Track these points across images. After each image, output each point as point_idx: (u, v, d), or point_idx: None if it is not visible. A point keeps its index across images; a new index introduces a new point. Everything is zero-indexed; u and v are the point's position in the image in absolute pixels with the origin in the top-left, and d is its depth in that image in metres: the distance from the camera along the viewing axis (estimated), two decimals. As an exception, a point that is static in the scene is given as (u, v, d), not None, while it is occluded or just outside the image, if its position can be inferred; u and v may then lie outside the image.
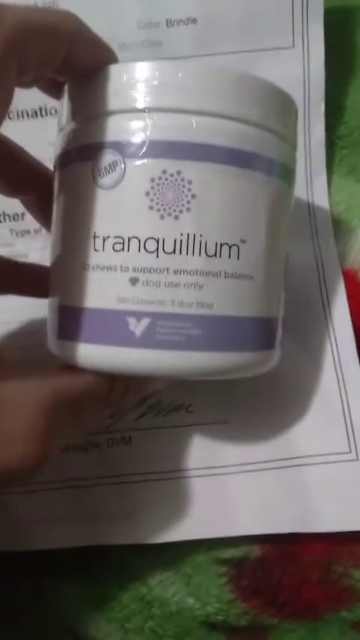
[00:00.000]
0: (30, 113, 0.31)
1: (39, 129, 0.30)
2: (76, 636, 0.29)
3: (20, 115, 0.31)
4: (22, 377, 0.20)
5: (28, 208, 0.28)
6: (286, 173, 0.22)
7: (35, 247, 0.31)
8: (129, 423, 0.29)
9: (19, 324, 0.30)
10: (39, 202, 0.27)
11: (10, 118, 0.30)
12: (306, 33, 0.29)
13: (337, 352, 0.29)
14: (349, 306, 0.30)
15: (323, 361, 0.29)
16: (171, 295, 0.20)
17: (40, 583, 0.29)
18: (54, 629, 0.29)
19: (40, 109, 0.30)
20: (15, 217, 0.31)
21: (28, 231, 0.31)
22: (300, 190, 0.31)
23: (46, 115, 0.30)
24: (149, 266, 0.20)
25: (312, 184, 0.31)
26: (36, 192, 0.26)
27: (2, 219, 0.31)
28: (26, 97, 0.30)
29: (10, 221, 0.31)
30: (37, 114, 0.31)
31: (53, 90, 0.23)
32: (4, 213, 0.31)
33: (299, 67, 0.30)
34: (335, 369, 0.29)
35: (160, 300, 0.20)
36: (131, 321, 0.20)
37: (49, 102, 0.30)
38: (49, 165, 0.25)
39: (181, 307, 0.20)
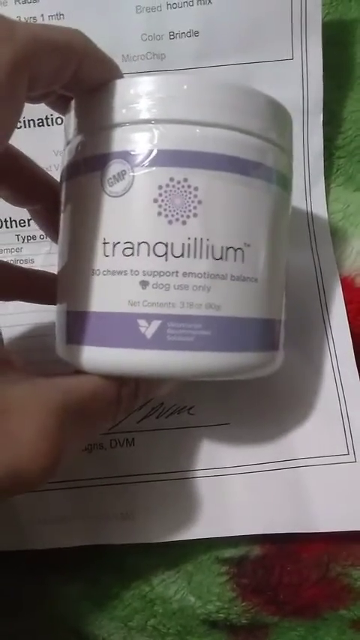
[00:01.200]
0: (36, 122, 0.31)
1: (45, 137, 0.31)
2: (79, 634, 0.30)
3: (27, 124, 0.31)
4: (31, 380, 0.20)
5: (34, 218, 0.28)
6: (284, 181, 0.23)
7: (41, 252, 0.32)
8: (132, 425, 0.30)
9: (26, 327, 0.31)
10: (46, 212, 0.27)
11: (17, 127, 0.31)
12: (304, 45, 0.30)
13: (336, 357, 0.30)
14: (347, 311, 0.30)
15: (322, 365, 0.30)
16: (180, 297, 0.20)
17: (44, 582, 0.30)
18: (57, 627, 0.30)
19: (47, 118, 0.31)
20: (21, 223, 0.32)
21: (34, 237, 0.32)
22: (299, 199, 0.31)
23: (52, 124, 0.31)
24: (159, 269, 0.20)
25: (310, 194, 0.31)
26: (43, 202, 0.27)
27: (9, 225, 0.32)
28: (32, 107, 0.31)
29: (16, 227, 0.32)
30: (43, 123, 0.31)
31: (60, 105, 0.24)
32: (10, 219, 0.32)
33: (298, 79, 0.30)
34: (334, 373, 0.30)
35: (170, 302, 0.20)
36: (142, 323, 0.20)
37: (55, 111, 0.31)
38: (55, 172, 0.25)
39: (190, 309, 0.21)
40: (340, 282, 0.31)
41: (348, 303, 0.30)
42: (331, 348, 0.30)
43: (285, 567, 0.29)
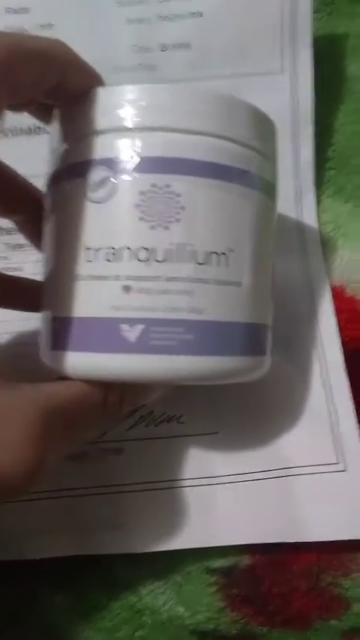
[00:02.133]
0: (25, 129, 0.31)
1: (33, 146, 0.31)
2: (66, 646, 0.30)
3: (14, 132, 0.31)
4: (15, 386, 0.20)
5: (19, 228, 0.28)
6: (268, 187, 0.24)
7: (30, 260, 0.32)
8: (120, 434, 0.30)
9: (10, 335, 0.31)
10: (30, 223, 0.27)
11: (5, 135, 0.31)
12: (294, 58, 0.31)
13: (326, 366, 0.30)
14: (338, 321, 0.30)
15: (312, 374, 0.30)
16: (163, 302, 0.21)
17: (31, 592, 0.29)
18: (45, 638, 0.29)
19: (35, 126, 0.31)
20: (9, 231, 0.32)
21: (22, 245, 0.32)
22: (289, 209, 0.32)
23: (40, 132, 0.31)
24: (141, 274, 0.21)
25: (301, 204, 0.32)
26: (27, 212, 0.27)
27: (-3, 234, 0.32)
28: (23, 115, 0.31)
29: (4, 235, 0.32)
30: (31, 130, 0.31)
31: (42, 114, 0.24)
32: (-1, 228, 0.32)
33: (288, 91, 0.31)
34: (323, 382, 0.30)
35: (152, 306, 0.21)
36: (125, 328, 0.21)
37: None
38: (42, 182, 0.25)
39: (173, 313, 0.21)
40: (330, 291, 0.31)
41: (338, 312, 0.31)
42: (322, 357, 0.30)
43: (275, 577, 0.29)
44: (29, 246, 0.31)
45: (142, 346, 0.21)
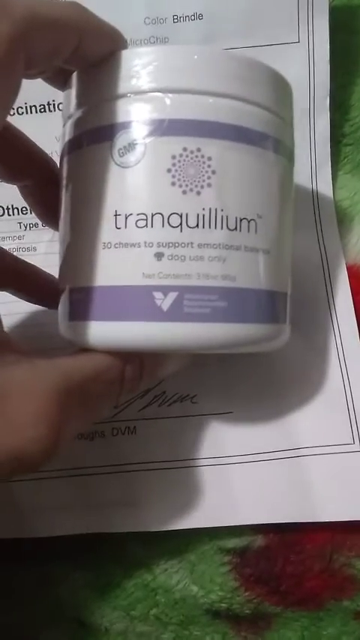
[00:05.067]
0: (38, 108, 0.31)
1: (46, 124, 0.30)
2: (81, 623, 0.30)
3: (28, 110, 0.31)
4: (31, 362, 0.20)
5: (24, 195, 0.27)
6: (289, 153, 0.24)
7: (43, 240, 0.31)
8: (133, 413, 0.29)
9: (26, 315, 0.30)
10: (37, 189, 0.27)
11: (19, 113, 0.31)
12: (311, 28, 0.30)
13: (342, 345, 0.29)
14: (353, 300, 0.30)
15: (327, 354, 0.29)
16: (197, 268, 0.20)
17: (46, 570, 0.30)
18: (59, 616, 0.30)
19: (48, 104, 0.31)
20: (23, 211, 0.31)
21: (36, 225, 0.31)
22: (305, 184, 0.31)
23: (54, 109, 0.31)
24: (174, 240, 0.20)
25: (317, 179, 0.31)
26: (35, 177, 0.26)
27: (11, 213, 0.32)
28: (34, 92, 0.31)
29: (18, 214, 0.32)
30: (44, 108, 0.31)
31: (58, 80, 0.23)
32: (12, 207, 0.31)
33: (304, 62, 0.30)
34: (339, 362, 0.29)
35: (186, 273, 0.20)
36: (158, 295, 0.20)
37: (57, 97, 0.30)
38: (56, 158, 0.25)
39: (207, 280, 0.20)
40: (345, 269, 0.30)
41: (354, 292, 0.30)
42: (337, 337, 0.30)
43: (288, 557, 0.28)
44: (43, 226, 0.31)
45: (175, 314, 0.20)
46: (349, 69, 0.32)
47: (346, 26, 0.32)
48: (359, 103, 0.32)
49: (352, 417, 0.28)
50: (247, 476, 0.28)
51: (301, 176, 0.30)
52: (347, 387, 0.29)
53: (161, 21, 0.30)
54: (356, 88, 0.32)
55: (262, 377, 0.29)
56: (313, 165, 0.31)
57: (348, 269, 0.30)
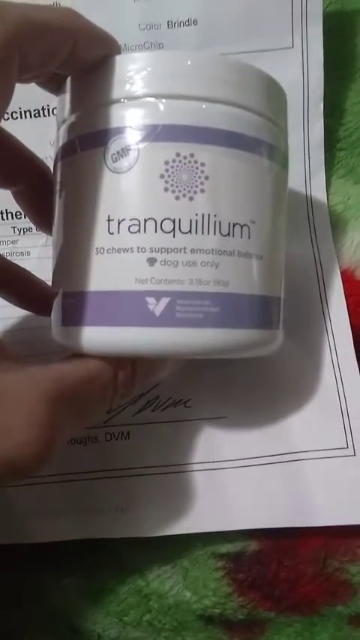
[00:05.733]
0: (32, 112, 0.31)
1: (40, 128, 0.30)
2: (73, 629, 0.30)
3: (22, 115, 0.31)
4: (23, 368, 0.20)
5: (17, 200, 0.27)
6: (283, 159, 0.24)
7: (37, 245, 0.31)
8: (127, 418, 0.29)
9: (19, 319, 0.30)
10: (30, 193, 0.27)
11: (13, 117, 0.31)
12: (305, 34, 0.30)
13: (335, 349, 0.29)
14: (347, 304, 0.30)
15: (322, 358, 0.29)
16: (189, 274, 0.20)
17: (39, 576, 0.30)
18: (52, 622, 0.29)
19: (42, 109, 0.31)
20: (17, 215, 0.31)
21: (30, 229, 0.31)
22: (299, 189, 0.31)
23: (48, 114, 0.31)
24: (166, 246, 0.20)
25: (311, 183, 0.31)
26: (28, 182, 0.26)
27: (5, 217, 0.32)
28: (28, 97, 0.31)
29: (12, 219, 0.32)
30: (39, 113, 0.31)
31: (52, 85, 0.24)
32: (6, 211, 0.31)
33: (298, 67, 0.30)
34: (333, 366, 0.29)
35: (178, 279, 0.20)
36: (150, 301, 0.20)
37: (51, 102, 0.30)
38: (51, 163, 0.25)
39: (199, 285, 0.20)
40: (339, 274, 0.30)
41: (348, 296, 0.30)
42: (331, 341, 0.30)
43: (282, 562, 0.28)
44: (37, 230, 0.31)
45: (168, 319, 0.20)
46: (343, 74, 0.32)
47: (340, 32, 0.32)
48: (353, 108, 0.32)
49: (346, 421, 0.28)
50: (241, 480, 0.28)
51: (295, 181, 0.30)
52: (341, 391, 0.29)
53: (156, 26, 0.30)
54: (350, 93, 0.32)
55: (256, 381, 0.29)
56: (307, 170, 0.31)
57: (342, 273, 0.30)
